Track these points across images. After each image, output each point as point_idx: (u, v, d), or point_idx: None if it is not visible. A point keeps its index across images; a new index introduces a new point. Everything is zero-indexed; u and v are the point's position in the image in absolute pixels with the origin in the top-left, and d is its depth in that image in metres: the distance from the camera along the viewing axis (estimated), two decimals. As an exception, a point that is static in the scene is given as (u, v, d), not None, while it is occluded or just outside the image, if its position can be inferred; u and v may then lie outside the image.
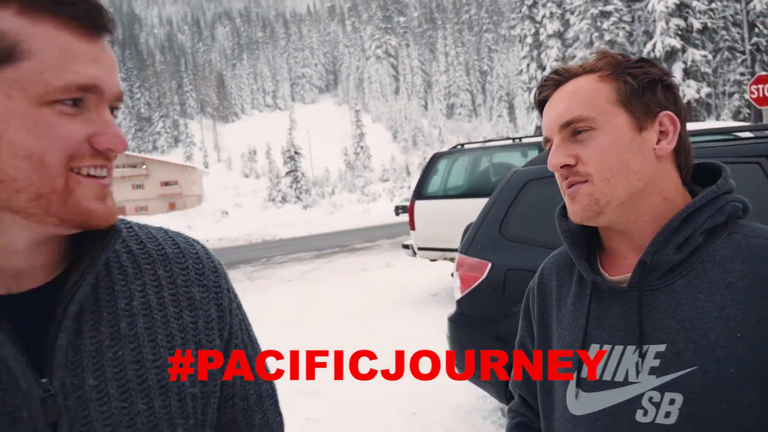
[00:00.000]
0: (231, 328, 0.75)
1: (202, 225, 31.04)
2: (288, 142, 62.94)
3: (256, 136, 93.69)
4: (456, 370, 3.32)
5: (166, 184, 63.31)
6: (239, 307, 0.79)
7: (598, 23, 31.30)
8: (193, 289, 0.72)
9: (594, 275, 0.87)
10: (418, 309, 6.65)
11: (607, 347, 0.84)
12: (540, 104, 0.93)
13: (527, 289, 1.06)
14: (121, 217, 0.70)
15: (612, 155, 0.82)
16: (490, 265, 3.03)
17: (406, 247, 7.54)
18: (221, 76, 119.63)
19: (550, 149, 0.88)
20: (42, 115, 0.56)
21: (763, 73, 11.76)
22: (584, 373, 0.85)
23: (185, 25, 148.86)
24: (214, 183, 75.33)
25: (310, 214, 45.32)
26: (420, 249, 7.05)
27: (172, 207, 60.34)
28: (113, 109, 0.63)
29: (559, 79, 0.89)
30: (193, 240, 0.77)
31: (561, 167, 0.84)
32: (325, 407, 3.90)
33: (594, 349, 0.85)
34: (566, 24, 36.14)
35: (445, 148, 7.28)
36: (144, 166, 63.71)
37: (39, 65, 0.55)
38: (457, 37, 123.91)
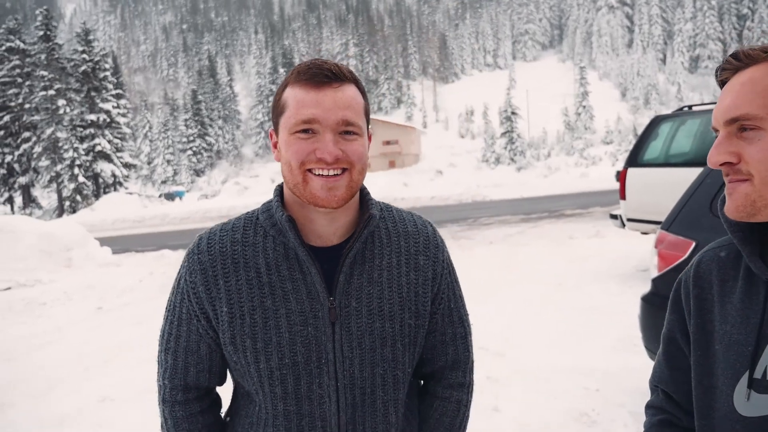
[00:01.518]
0: (440, 287, 1.12)
1: (418, 183, 32.60)
2: (505, 102, 61.85)
3: (474, 96, 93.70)
4: (647, 353, 3.13)
5: (388, 143, 67.24)
6: (450, 273, 1.16)
7: None
8: (419, 257, 1.10)
9: None
10: (624, 283, 6.24)
11: None
12: (722, 85, 0.88)
13: (678, 282, 1.02)
14: (387, 204, 1.15)
15: None
16: (694, 244, 2.77)
17: (614, 217, 7.05)
18: (444, 37, 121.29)
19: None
20: (290, 140, 0.99)
21: None
22: (758, 374, 0.82)
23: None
24: (431, 143, 77.78)
25: (523, 176, 44.36)
26: (630, 220, 6.53)
27: (391, 165, 64.16)
28: (345, 132, 0.98)
29: (737, 64, 0.84)
30: (427, 222, 1.16)
31: (720, 165, 0.81)
32: (507, 368, 3.98)
33: None
34: None
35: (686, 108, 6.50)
36: (369, 126, 68.37)
37: (289, 112, 0.99)
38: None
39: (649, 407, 1.07)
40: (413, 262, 1.08)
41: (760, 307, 0.83)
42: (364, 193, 1.10)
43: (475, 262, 8.26)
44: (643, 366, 3.78)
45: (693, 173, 5.99)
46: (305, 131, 0.97)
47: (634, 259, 7.62)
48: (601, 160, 56.32)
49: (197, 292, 1.03)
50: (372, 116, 79.96)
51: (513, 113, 60.81)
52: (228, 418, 1.16)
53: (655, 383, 1.07)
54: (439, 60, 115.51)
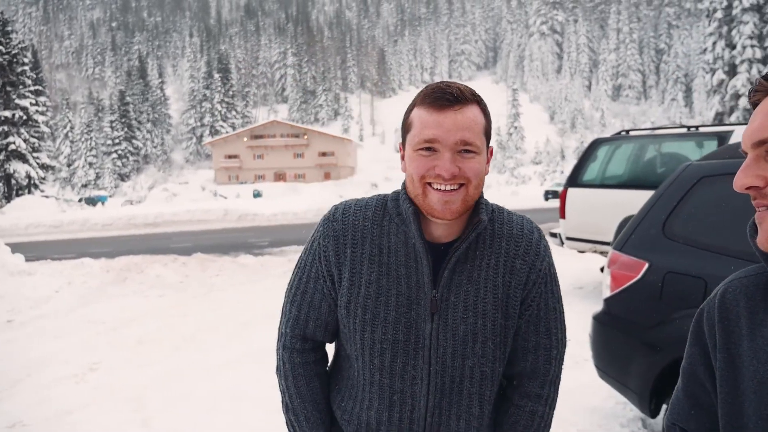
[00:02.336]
0: (530, 293, 1.16)
1: (353, 195, 32.50)
2: (441, 119, 63.08)
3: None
4: (597, 372, 3.13)
5: (324, 154, 67.00)
6: (547, 283, 1.18)
7: (811, -5, 26.77)
8: (517, 261, 1.15)
9: None
10: (563, 301, 6.35)
11: None
12: (754, 107, 0.84)
13: (699, 313, 0.95)
14: (500, 206, 1.21)
15: None
16: (647, 265, 2.78)
17: (554, 235, 7.21)
18: (382, 52, 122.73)
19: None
20: (413, 156, 1.09)
21: None
22: None
23: (353, 1, 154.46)
24: (367, 156, 78.15)
25: (457, 193, 45.19)
26: (568, 239, 6.69)
27: (327, 176, 63.91)
28: (464, 150, 1.06)
29: None
30: (536, 229, 1.20)
31: (746, 188, 0.79)
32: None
33: None
34: (768, -4, 31.48)
35: (608, 133, 6.74)
36: (305, 137, 67.98)
37: (414, 131, 1.09)
38: (633, 12, 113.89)
39: None
40: (510, 264, 1.14)
41: None
42: (480, 198, 1.17)
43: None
44: (591, 383, 3.80)
45: (626, 195, 6.25)
46: (427, 149, 1.06)
47: (569, 276, 7.80)
48: (531, 180, 58.51)
49: (327, 255, 1.16)
50: (308, 127, 79.65)
51: (448, 130, 62.11)
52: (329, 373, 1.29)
53: (673, 421, 0.99)
54: (377, 74, 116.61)
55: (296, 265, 1.23)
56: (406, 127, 1.13)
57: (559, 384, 1.23)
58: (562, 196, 6.68)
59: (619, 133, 6.74)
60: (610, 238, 6.12)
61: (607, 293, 3.01)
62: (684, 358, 0.98)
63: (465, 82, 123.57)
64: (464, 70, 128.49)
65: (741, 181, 0.78)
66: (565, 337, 1.23)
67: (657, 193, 2.92)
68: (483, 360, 1.12)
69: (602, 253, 6.48)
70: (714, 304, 0.92)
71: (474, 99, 1.08)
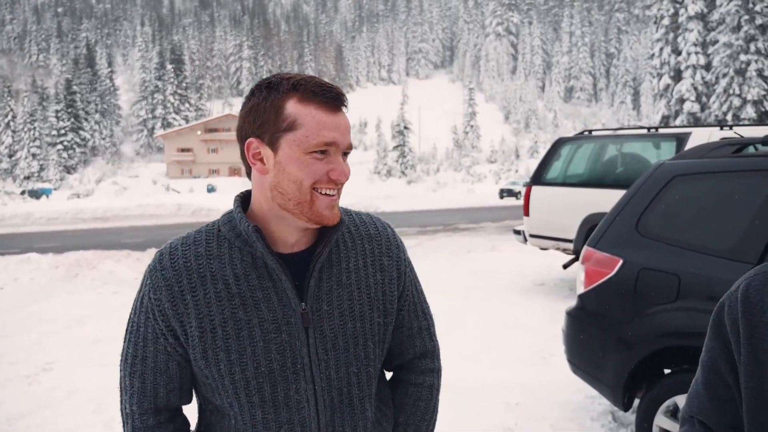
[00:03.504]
0: (404, 285, 1.16)
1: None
2: (398, 117, 63.26)
3: (367, 108, 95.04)
4: (570, 367, 3.18)
5: (281, 149, 66.07)
6: (411, 270, 1.20)
7: (750, 4, 28.18)
8: (384, 258, 1.13)
9: None
10: (525, 297, 6.47)
11: None
12: None
13: (720, 307, 0.95)
14: (345, 208, 1.14)
15: None
16: (621, 261, 2.84)
17: (517, 232, 7.32)
18: (340, 48, 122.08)
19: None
20: (305, 159, 0.98)
21: None
22: None
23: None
24: (325, 151, 77.49)
25: (413, 189, 45.50)
26: (532, 236, 6.81)
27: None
28: (346, 153, 1.02)
29: None
30: (387, 224, 1.19)
31: None
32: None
33: None
34: (712, 4, 32.89)
35: (561, 133, 6.88)
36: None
37: (305, 131, 0.98)
38: (585, 16, 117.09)
39: None
40: (378, 263, 1.12)
41: None
42: None
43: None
44: (558, 379, 3.87)
45: (588, 193, 6.40)
46: (321, 152, 0.98)
47: (530, 273, 7.95)
48: (486, 178, 59.38)
49: (163, 309, 1.02)
50: (265, 121, 78.38)
51: (405, 128, 62.36)
52: None
53: (691, 414, 0.99)
54: (335, 70, 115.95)
55: (127, 330, 1.08)
56: (282, 124, 0.98)
57: (440, 355, 1.27)
58: (526, 194, 6.78)
59: (581, 132, 6.89)
60: (572, 235, 6.25)
61: (582, 289, 3.05)
62: (703, 351, 0.98)
63: (422, 80, 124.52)
64: (421, 68, 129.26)
65: None
66: (432, 313, 1.26)
67: (630, 191, 2.98)
68: (366, 362, 1.08)
69: (564, 250, 6.62)
70: (736, 297, 0.92)
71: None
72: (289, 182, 0.99)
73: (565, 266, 6.10)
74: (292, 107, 0.98)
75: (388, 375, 1.27)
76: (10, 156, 66.49)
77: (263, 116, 0.99)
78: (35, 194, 40.14)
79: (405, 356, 1.20)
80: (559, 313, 4.14)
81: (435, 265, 8.83)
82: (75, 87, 71.33)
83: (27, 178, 63.17)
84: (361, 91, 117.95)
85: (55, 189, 49.98)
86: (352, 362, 1.06)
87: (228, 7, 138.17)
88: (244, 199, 1.09)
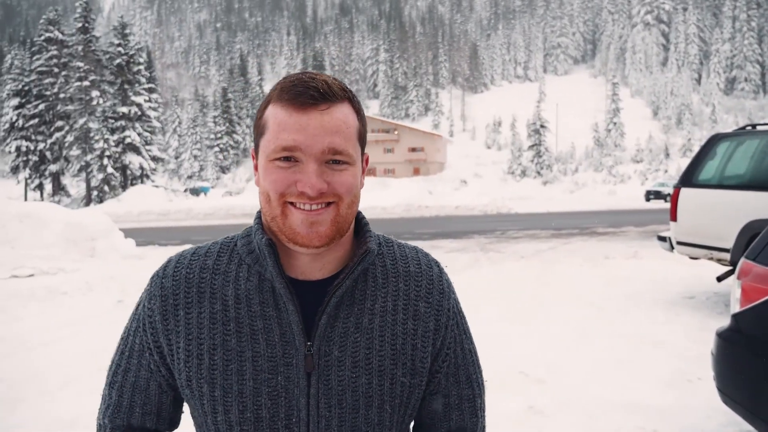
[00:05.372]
0: (444, 340, 0.94)
1: (442, 192, 32.26)
2: (534, 115, 61.18)
3: (502, 107, 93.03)
4: (719, 396, 2.79)
5: (413, 150, 67.03)
6: (458, 325, 0.97)
7: None
8: (420, 303, 0.93)
9: None
10: (670, 311, 5.86)
11: None
12: None
13: None
14: (389, 237, 0.99)
15: None
16: (788, 278, 2.43)
17: (662, 239, 6.65)
18: (475, 47, 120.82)
19: None
20: (268, 167, 0.84)
21: None
22: None
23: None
24: (457, 152, 77.35)
25: (549, 191, 43.72)
26: (680, 243, 6.15)
27: (416, 172, 63.93)
28: (333, 161, 0.83)
29: None
30: (435, 263, 0.98)
31: None
32: (549, 398, 3.66)
33: None
34: None
35: (720, 129, 6.11)
36: (396, 132, 68.36)
37: (269, 135, 0.84)
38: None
39: None
40: (412, 308, 0.92)
41: None
42: (362, 224, 0.95)
43: (508, 277, 7.94)
44: (703, 405, 3.44)
45: (750, 197, 5.63)
46: (286, 159, 0.83)
47: (676, 284, 7.21)
48: (630, 179, 55.36)
49: (153, 321, 0.90)
50: (399, 122, 80.00)
51: (542, 126, 60.11)
52: None
53: None
54: (469, 69, 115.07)
55: (121, 335, 0.97)
56: (259, 130, 0.87)
57: None
58: (673, 197, 6.15)
59: (743, 128, 6.10)
60: (729, 244, 5.55)
61: (737, 308, 2.66)
62: None
63: (561, 76, 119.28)
64: (560, 64, 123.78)
65: None
66: (484, 380, 1.02)
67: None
68: (380, 428, 0.88)
69: (719, 260, 5.90)
70: None
71: (345, 95, 0.85)
72: (261, 194, 0.87)
73: (720, 279, 5.42)
74: (268, 110, 0.85)
75: None
76: (176, 157, 74.70)
77: (255, 125, 0.89)
78: (195, 192, 44.62)
79: (436, 431, 0.98)
80: (709, 332, 3.67)
81: (568, 270, 8.36)
82: (230, 95, 78.14)
83: (189, 177, 70.53)
84: (496, 89, 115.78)
85: (212, 187, 55.17)
86: (361, 427, 0.87)
87: (366, 12, 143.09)
88: None
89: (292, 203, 0.83)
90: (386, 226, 16.95)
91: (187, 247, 1.00)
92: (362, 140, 0.90)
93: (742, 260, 2.70)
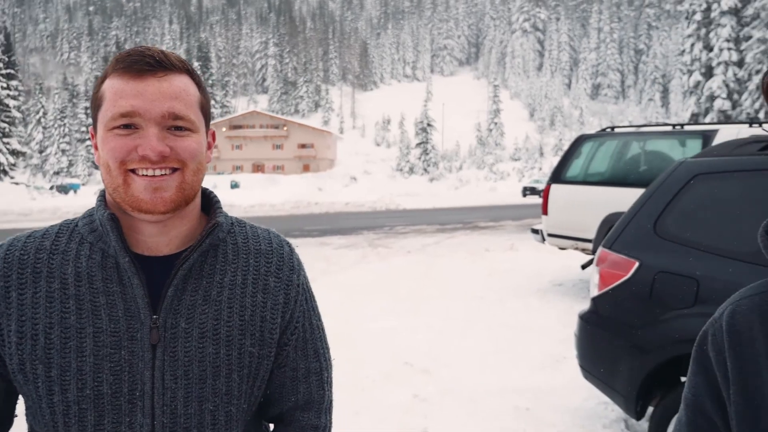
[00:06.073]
0: (293, 314, 0.96)
1: (332, 188, 32.32)
2: (422, 114, 62.98)
3: (391, 105, 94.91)
4: (581, 372, 3.05)
5: (303, 146, 66.47)
6: (307, 300, 1.00)
7: (787, 0, 27.25)
8: (270, 278, 0.94)
9: None
10: (543, 298, 6.31)
11: None
12: None
13: (702, 337, 0.83)
14: (242, 220, 1.00)
15: None
16: (637, 264, 2.70)
17: (535, 231, 7.15)
18: (365, 45, 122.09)
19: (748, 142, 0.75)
20: (107, 137, 0.83)
21: None
22: None
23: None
24: (347, 149, 77.80)
25: (435, 187, 45.28)
26: (550, 235, 6.64)
27: (306, 168, 63.46)
28: (174, 127, 0.83)
29: None
30: (286, 243, 1.00)
31: None
32: (434, 387, 3.80)
33: None
34: (745, 0, 31.94)
35: (586, 130, 6.68)
36: (285, 128, 67.35)
37: (106, 105, 0.84)
38: (614, 12, 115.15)
39: None
40: (262, 283, 0.93)
41: None
42: (212, 200, 0.95)
43: (394, 272, 8.11)
44: (570, 383, 3.74)
45: (609, 192, 6.21)
46: (126, 126, 0.82)
47: (548, 273, 7.78)
48: (509, 176, 58.83)
49: None
50: (289, 118, 78.84)
51: (428, 125, 62.07)
52: None
53: None
54: (359, 67, 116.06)
55: None
56: (96, 104, 0.86)
57: (332, 410, 1.05)
58: (545, 193, 6.62)
59: (603, 129, 6.69)
60: (592, 235, 6.07)
61: (595, 292, 2.92)
62: (686, 387, 0.86)
63: (447, 77, 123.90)
64: (446, 65, 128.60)
65: None
66: (331, 357, 1.05)
67: (649, 191, 2.84)
68: (228, 398, 0.88)
69: (584, 250, 6.44)
70: (721, 327, 0.80)
71: (184, 67, 0.86)
72: (104, 166, 0.84)
73: (584, 267, 5.93)
74: (105, 83, 0.84)
75: None
76: (41, 152, 68.10)
77: (92, 101, 0.87)
78: (64, 189, 40.97)
79: (284, 403, 0.99)
80: (575, 315, 4.00)
81: (452, 263, 8.71)
82: (104, 84, 72.75)
83: (56, 173, 64.60)
84: (386, 88, 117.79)
85: (83, 184, 51.01)
86: (208, 397, 0.87)
87: (255, 4, 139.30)
88: None
89: (134, 171, 0.82)
90: (275, 223, 16.64)
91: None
92: (205, 113, 0.89)
93: (600, 249, 2.95)
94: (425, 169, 60.44)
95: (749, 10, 31.33)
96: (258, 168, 64.92)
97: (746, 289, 0.82)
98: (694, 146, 5.58)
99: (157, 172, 0.82)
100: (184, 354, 0.86)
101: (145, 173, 0.82)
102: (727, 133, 5.15)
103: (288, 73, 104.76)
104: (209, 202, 0.95)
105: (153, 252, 0.88)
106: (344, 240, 11.89)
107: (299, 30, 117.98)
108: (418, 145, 62.60)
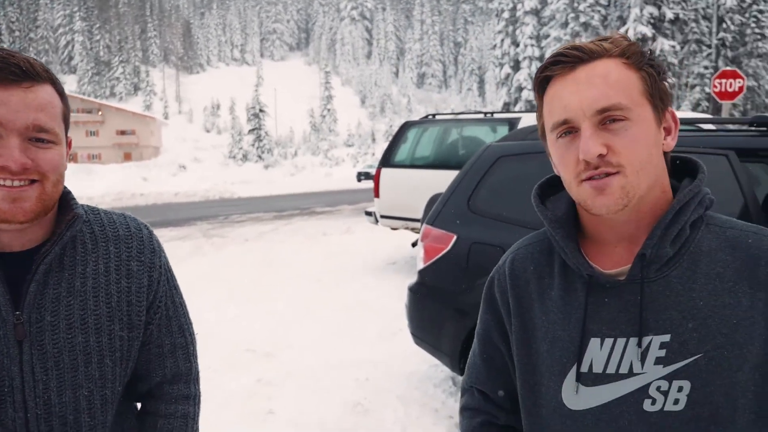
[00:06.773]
0: (156, 294, 1.01)
1: (159, 178, 30.21)
2: (253, 99, 61.33)
3: (220, 89, 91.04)
4: (413, 339, 3.35)
5: (123, 133, 61.15)
6: (169, 280, 1.04)
7: (575, 4, 31.35)
8: (132, 263, 0.98)
9: (590, 268, 0.84)
10: (378, 277, 6.66)
11: (608, 340, 0.82)
12: (546, 81, 0.84)
13: (490, 281, 1.00)
14: (91, 205, 1.01)
15: (643, 148, 0.79)
16: (455, 237, 3.03)
17: (369, 214, 7.50)
18: (188, 25, 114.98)
19: (565, 133, 0.81)
20: None
21: (728, 68, 12.04)
22: (584, 368, 0.83)
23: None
24: (174, 135, 73.15)
25: (271, 174, 44.64)
26: (383, 217, 7.02)
27: (127, 157, 58.41)
28: (37, 139, 0.83)
29: (580, 56, 0.80)
30: (144, 225, 1.03)
31: (598, 156, 0.77)
32: (276, 370, 3.87)
33: (594, 342, 0.83)
34: (544, 1, 36.06)
35: (414, 117, 7.17)
36: (100, 113, 61.26)
37: None
38: (435, 5, 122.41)
39: (465, 409, 1.03)
40: (125, 268, 0.97)
41: (581, 303, 0.84)
42: (68, 197, 0.95)
43: (232, 262, 7.95)
44: (404, 352, 4.06)
45: (433, 174, 6.73)
46: None
47: (382, 253, 8.21)
48: (344, 161, 60.02)
49: None
50: (104, 102, 71.91)
51: (261, 110, 60.70)
52: None
53: (471, 384, 1.02)
54: (182, 48, 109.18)
55: None
56: None
57: (200, 380, 1.11)
58: (376, 176, 6.96)
59: (426, 116, 7.21)
60: (419, 215, 6.55)
61: (421, 265, 3.21)
62: (478, 323, 1.02)
63: (277, 62, 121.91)
64: (276, 50, 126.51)
65: (594, 149, 0.77)
66: (194, 332, 1.11)
67: (462, 172, 3.19)
68: (102, 383, 0.93)
69: (413, 229, 6.92)
70: (504, 271, 0.97)
71: (48, 77, 0.86)
72: None
73: (414, 244, 6.39)
74: None
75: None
76: None
77: None
78: None
79: (152, 379, 1.03)
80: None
81: (290, 249, 8.78)
82: None
83: None
84: (213, 71, 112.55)
85: None
86: (82, 384, 0.90)
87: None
88: None
89: None
90: (95, 218, 15.19)
91: None
92: (66, 123, 0.91)
93: (423, 226, 3.25)
94: (259, 156, 59.15)
95: (547, 11, 35.42)
96: (70, 158, 58.30)
97: (522, 239, 1.00)
98: (503, 131, 6.27)
99: (16, 183, 0.82)
100: (52, 346, 0.88)
101: (3, 183, 0.81)
102: (528, 120, 5.88)
103: (100, 51, 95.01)
104: (64, 196, 0.95)
105: (11, 248, 0.89)
106: (176, 232, 11.29)
107: (111, 4, 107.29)
108: (251, 131, 60.99)
